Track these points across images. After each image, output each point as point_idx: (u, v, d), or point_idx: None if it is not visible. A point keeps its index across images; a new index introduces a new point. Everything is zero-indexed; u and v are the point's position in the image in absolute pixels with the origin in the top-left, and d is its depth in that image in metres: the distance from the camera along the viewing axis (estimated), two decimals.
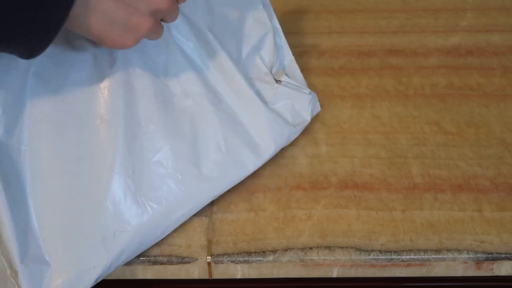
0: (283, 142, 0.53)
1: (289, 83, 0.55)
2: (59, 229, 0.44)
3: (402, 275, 0.49)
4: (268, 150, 0.51)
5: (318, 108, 0.56)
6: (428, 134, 0.57)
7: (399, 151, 0.56)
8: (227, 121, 0.50)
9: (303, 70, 0.62)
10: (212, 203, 0.51)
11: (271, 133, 0.51)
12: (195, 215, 0.50)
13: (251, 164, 0.51)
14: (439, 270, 0.49)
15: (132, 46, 0.42)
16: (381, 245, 0.49)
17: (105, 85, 0.47)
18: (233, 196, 0.52)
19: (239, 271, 0.49)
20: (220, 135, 0.50)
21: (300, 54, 0.66)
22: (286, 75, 0.56)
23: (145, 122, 0.47)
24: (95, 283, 0.44)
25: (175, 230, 0.49)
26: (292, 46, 0.67)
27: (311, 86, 0.60)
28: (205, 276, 0.49)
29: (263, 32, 0.56)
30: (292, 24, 0.71)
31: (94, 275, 0.44)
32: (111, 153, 0.46)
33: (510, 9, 0.73)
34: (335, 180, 0.53)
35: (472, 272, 0.49)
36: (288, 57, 0.58)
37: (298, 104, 0.55)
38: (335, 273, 0.49)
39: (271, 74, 0.55)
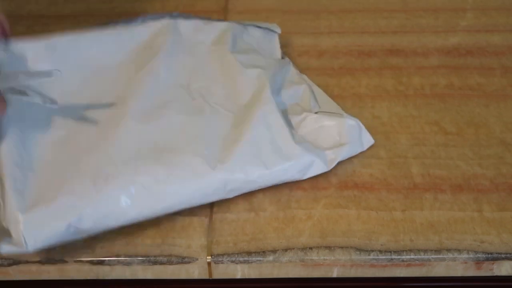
0: (310, 159, 0.51)
1: (322, 111, 0.55)
2: (54, 165, 0.47)
3: (402, 275, 0.49)
4: (294, 153, 0.51)
5: (369, 139, 0.55)
6: (428, 134, 0.57)
7: (399, 151, 0.56)
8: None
9: (303, 70, 0.62)
10: (212, 203, 0.51)
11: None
12: (195, 215, 0.50)
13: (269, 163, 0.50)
14: (439, 270, 0.49)
15: None
16: (381, 245, 0.49)
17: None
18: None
19: (239, 271, 0.49)
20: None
21: (300, 54, 0.66)
22: (319, 107, 0.57)
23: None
24: (80, 225, 0.44)
25: (175, 230, 0.49)
26: (292, 46, 0.67)
27: None
28: (205, 276, 0.49)
29: (298, 87, 0.58)
30: (292, 24, 0.71)
31: (77, 211, 0.44)
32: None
33: (510, 9, 0.73)
34: (335, 180, 0.53)
35: (472, 272, 0.49)
36: (324, 98, 0.59)
37: (330, 127, 0.54)
38: (335, 273, 0.49)
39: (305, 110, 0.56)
